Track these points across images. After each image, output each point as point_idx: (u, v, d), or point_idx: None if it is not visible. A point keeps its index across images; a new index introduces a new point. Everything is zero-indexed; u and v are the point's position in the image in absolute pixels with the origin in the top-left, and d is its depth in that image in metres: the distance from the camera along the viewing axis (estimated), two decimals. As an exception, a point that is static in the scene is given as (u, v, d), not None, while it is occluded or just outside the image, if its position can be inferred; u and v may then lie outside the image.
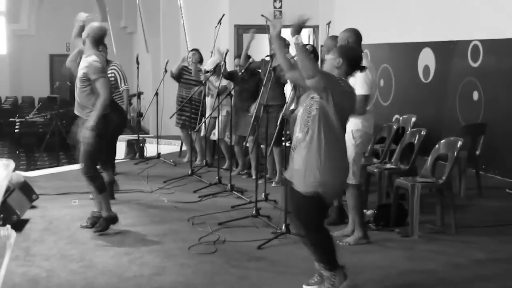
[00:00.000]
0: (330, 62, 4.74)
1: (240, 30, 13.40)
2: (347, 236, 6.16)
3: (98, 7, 24.81)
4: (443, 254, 5.81)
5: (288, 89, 8.28)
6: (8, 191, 6.52)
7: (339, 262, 4.73)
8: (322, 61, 7.12)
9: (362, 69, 4.80)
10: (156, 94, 10.69)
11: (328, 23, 10.57)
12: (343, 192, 6.09)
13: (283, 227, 6.20)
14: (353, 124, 5.87)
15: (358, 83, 5.84)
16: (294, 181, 4.64)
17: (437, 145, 6.79)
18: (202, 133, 9.78)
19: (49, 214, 7.15)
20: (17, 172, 7.43)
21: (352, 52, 4.82)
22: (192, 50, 10.53)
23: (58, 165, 12.30)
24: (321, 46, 12.35)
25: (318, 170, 4.51)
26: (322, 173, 4.51)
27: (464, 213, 7.14)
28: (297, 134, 4.66)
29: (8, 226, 3.82)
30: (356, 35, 6.14)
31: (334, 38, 6.69)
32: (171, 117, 9.82)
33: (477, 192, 8.10)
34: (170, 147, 11.77)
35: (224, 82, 9.28)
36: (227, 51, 9.14)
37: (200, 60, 10.29)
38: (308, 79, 4.43)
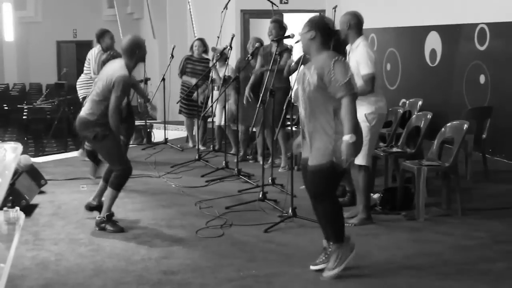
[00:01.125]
0: (304, 37, 4.88)
1: (247, 15, 13.39)
2: (354, 217, 6.22)
3: (104, -7, 24.82)
4: (449, 237, 5.84)
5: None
6: (16, 173, 6.57)
7: (346, 235, 4.88)
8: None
9: (336, 36, 5.00)
10: (163, 79, 10.71)
11: (334, 7, 10.56)
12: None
13: (290, 210, 6.24)
14: (366, 108, 5.92)
15: (362, 62, 5.90)
16: (309, 155, 4.77)
17: (443, 129, 6.81)
18: (217, 121, 9.91)
19: (58, 199, 7.21)
20: (25, 155, 7.47)
21: (321, 21, 4.89)
22: (198, 39, 10.55)
23: (66, 151, 12.33)
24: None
25: (328, 139, 4.64)
26: (332, 142, 4.64)
27: (470, 196, 7.16)
28: (300, 110, 4.83)
29: (17, 208, 3.85)
30: (356, 17, 6.17)
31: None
32: (177, 102, 9.86)
33: (483, 175, 8.11)
34: (177, 132, 11.81)
35: (229, 71, 9.31)
36: (233, 35, 9.15)
37: (205, 50, 10.32)
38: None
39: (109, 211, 6.02)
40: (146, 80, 11.22)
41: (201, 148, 9.91)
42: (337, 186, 5.20)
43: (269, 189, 7.20)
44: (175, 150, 10.39)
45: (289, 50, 8.32)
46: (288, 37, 6.96)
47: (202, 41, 10.48)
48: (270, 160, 8.31)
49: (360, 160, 6.03)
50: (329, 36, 4.82)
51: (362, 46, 6.04)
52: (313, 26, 4.82)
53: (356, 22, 6.12)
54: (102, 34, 8.93)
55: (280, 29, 8.29)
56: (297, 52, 6.80)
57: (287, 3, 12.92)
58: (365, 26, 6.23)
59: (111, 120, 5.87)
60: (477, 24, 9.59)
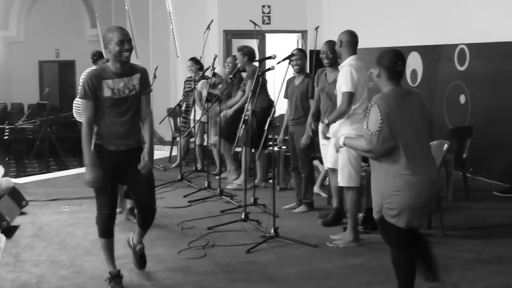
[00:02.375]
0: (374, 78, 4.57)
1: (229, 36, 13.44)
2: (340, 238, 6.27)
3: (87, 13, 24.82)
4: (430, 256, 5.86)
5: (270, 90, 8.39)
6: (-2, 195, 6.54)
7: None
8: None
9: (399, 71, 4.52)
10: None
11: (316, 28, 10.66)
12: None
13: (272, 230, 6.24)
14: (346, 128, 6.03)
15: (342, 80, 5.96)
16: None
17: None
18: (198, 140, 9.95)
19: (39, 220, 7.17)
20: (7, 178, 7.43)
21: (384, 56, 4.50)
22: (191, 59, 10.58)
23: (47, 172, 12.28)
24: (310, 50, 12.45)
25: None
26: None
27: (452, 216, 7.20)
28: None
29: (-2, 231, 3.84)
30: (350, 35, 6.26)
31: (331, 42, 6.80)
32: (160, 123, 9.84)
33: (464, 195, 8.16)
34: (160, 153, 11.78)
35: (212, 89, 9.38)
36: (216, 56, 9.21)
37: (200, 68, 10.31)
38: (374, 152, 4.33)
39: (109, 266, 5.13)
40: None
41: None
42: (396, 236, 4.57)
43: (252, 210, 7.20)
44: (157, 170, 10.36)
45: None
46: (270, 57, 7.00)
47: (193, 60, 10.44)
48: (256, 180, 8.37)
49: (345, 181, 6.07)
50: (394, 69, 4.44)
51: (346, 65, 6.11)
52: (376, 63, 4.49)
53: (348, 40, 6.21)
54: (101, 55, 8.95)
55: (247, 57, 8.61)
56: (280, 73, 6.83)
57: (269, 23, 12.99)
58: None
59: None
60: (457, 45, 9.69)
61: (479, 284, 5.18)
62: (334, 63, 6.71)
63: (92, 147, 4.87)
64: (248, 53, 8.67)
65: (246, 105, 7.51)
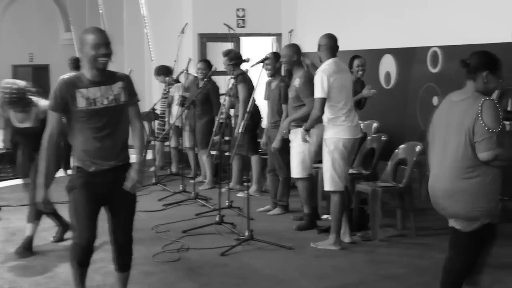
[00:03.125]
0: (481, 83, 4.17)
1: (204, 39, 13.42)
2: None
3: (61, 16, 24.66)
4: (403, 257, 5.92)
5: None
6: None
7: None
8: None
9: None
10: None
11: (290, 31, 10.69)
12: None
13: (246, 233, 6.25)
14: (326, 132, 6.11)
15: (317, 85, 5.99)
16: None
17: (396, 150, 6.91)
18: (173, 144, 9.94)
19: (12, 225, 7.12)
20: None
21: (486, 57, 4.20)
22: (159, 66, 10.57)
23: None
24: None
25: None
26: None
27: (425, 216, 7.25)
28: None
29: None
30: (327, 38, 6.31)
31: (290, 46, 6.89)
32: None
33: (438, 196, 8.22)
34: (134, 157, 11.74)
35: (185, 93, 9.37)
36: (190, 59, 9.21)
37: (168, 72, 10.31)
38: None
39: None
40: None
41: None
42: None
43: (227, 212, 7.21)
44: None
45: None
46: (244, 61, 7.02)
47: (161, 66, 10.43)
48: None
49: (327, 185, 6.10)
50: (497, 68, 4.14)
51: (320, 70, 6.14)
52: (480, 67, 4.17)
53: (325, 44, 6.24)
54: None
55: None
56: (253, 76, 6.87)
57: (244, 26, 12.99)
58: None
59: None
60: (429, 47, 9.78)
61: (452, 284, 5.21)
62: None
63: (72, 170, 4.33)
64: (235, 57, 8.51)
65: (225, 110, 7.58)
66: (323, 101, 6.03)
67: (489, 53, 4.24)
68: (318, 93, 6.03)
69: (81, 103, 4.19)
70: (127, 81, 4.42)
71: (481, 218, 4.09)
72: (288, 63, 6.88)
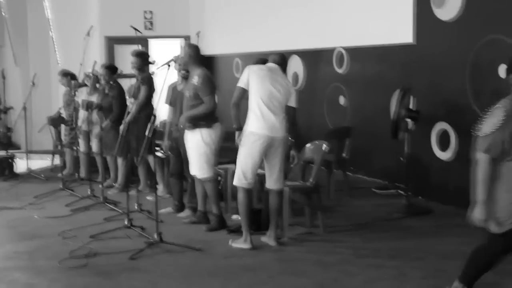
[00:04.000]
0: None
1: (112, 42, 13.27)
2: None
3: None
4: (312, 254, 6.00)
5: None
6: None
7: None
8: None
9: None
10: (24, 108, 10.40)
11: (198, 33, 10.69)
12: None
13: (156, 236, 6.20)
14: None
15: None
16: None
17: (303, 149, 7.01)
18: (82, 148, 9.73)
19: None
20: None
21: None
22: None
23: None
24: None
25: None
26: None
27: (333, 213, 7.40)
28: None
29: None
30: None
31: (189, 45, 6.98)
32: (39, 131, 9.62)
33: (346, 193, 8.41)
34: (41, 162, 11.46)
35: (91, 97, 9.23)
36: (95, 62, 9.07)
37: (73, 76, 10.17)
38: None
39: None
40: (6, 110, 10.88)
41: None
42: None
43: (136, 216, 7.14)
44: (39, 180, 10.07)
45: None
46: (150, 63, 6.97)
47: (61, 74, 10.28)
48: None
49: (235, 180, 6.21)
50: None
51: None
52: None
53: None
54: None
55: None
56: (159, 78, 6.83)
57: (151, 29, 12.93)
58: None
59: None
60: (335, 48, 9.97)
61: (358, 278, 5.33)
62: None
63: None
64: (142, 59, 8.41)
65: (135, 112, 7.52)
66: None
67: None
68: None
69: None
70: None
71: None
72: (186, 62, 6.85)
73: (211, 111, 6.67)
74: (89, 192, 8.44)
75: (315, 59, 10.56)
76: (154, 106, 8.41)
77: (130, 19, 12.13)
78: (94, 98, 9.08)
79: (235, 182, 6.22)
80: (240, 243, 6.19)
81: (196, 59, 6.82)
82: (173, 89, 7.62)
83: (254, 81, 6.13)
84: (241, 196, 6.21)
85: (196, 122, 6.68)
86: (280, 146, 6.18)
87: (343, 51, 9.84)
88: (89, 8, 13.28)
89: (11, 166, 10.70)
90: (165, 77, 6.51)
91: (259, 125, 6.10)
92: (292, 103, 6.24)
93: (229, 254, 6.01)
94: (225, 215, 7.11)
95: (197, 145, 6.73)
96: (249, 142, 6.11)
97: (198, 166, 6.78)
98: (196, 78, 6.70)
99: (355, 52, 9.68)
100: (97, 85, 9.19)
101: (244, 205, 6.21)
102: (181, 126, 6.85)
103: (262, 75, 6.17)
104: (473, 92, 7.47)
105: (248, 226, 6.23)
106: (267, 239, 6.33)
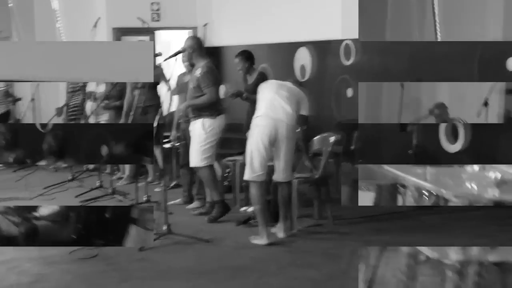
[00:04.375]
0: None
1: (119, 33, 13.25)
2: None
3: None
4: (321, 246, 6.02)
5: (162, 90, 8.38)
6: None
7: None
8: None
9: None
10: (32, 99, 10.44)
11: (205, 25, 10.67)
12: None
13: (164, 227, 6.23)
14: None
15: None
16: None
17: (311, 142, 7.03)
18: None
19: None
20: None
21: None
22: None
23: None
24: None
25: None
26: None
27: (341, 205, 7.41)
28: None
29: None
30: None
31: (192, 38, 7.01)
32: (48, 123, 9.64)
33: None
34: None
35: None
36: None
37: None
38: None
39: None
40: (15, 101, 10.92)
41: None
42: None
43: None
44: (48, 171, 10.11)
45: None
46: (157, 55, 7.00)
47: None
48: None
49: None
50: None
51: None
52: None
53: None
54: None
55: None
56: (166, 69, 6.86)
57: (158, 20, 12.90)
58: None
59: None
60: (342, 40, 9.95)
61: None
62: None
63: None
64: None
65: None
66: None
67: None
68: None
69: None
70: None
71: None
72: (190, 54, 6.87)
73: (212, 102, 6.68)
74: (98, 184, 8.46)
75: (322, 51, 10.53)
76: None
77: (137, 11, 12.12)
78: (102, 88, 9.13)
79: (246, 176, 6.20)
80: (257, 240, 6.18)
81: (200, 51, 6.83)
82: (180, 80, 7.65)
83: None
84: (253, 191, 6.19)
85: (200, 112, 6.71)
86: (287, 134, 6.15)
87: (351, 43, 9.81)
88: (96, -1, 13.26)
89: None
90: (172, 68, 6.55)
91: (264, 111, 6.17)
92: (304, 111, 6.25)
93: (238, 246, 6.03)
94: (234, 208, 7.14)
95: (198, 132, 6.76)
96: (255, 127, 6.15)
97: (194, 153, 6.78)
98: (199, 70, 6.74)
99: (363, 44, 9.64)
100: None
101: (258, 201, 6.19)
102: (180, 114, 6.94)
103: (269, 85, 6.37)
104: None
105: (265, 221, 6.19)
106: (277, 230, 6.34)
